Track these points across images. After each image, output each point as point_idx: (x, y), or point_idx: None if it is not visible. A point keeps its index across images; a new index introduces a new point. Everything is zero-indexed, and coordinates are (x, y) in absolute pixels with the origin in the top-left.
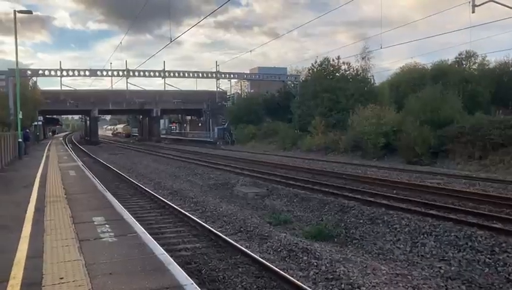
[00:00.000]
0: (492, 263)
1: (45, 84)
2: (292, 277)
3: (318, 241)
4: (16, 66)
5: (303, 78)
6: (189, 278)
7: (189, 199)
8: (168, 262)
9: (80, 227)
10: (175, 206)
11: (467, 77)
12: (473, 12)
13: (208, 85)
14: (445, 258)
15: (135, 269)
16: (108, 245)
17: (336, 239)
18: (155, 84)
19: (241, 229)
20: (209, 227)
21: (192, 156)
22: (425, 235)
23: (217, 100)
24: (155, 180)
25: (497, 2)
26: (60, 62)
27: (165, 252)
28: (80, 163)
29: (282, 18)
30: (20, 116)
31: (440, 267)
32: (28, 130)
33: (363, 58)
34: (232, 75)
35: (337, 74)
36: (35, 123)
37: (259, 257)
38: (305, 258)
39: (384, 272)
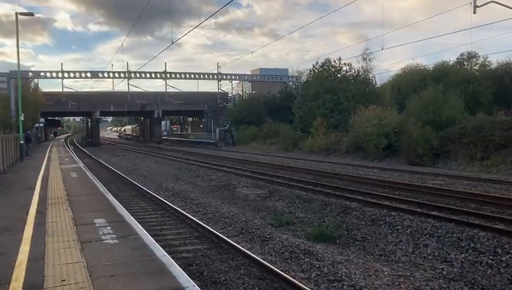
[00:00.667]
0: (495, 265)
1: (47, 86)
2: (294, 278)
3: (320, 243)
4: (17, 68)
5: (304, 80)
6: (190, 280)
7: (190, 200)
8: (169, 264)
9: (82, 229)
10: (176, 208)
11: (468, 77)
12: (474, 13)
13: (209, 86)
14: (448, 260)
15: (137, 271)
16: (110, 247)
17: (337, 241)
18: (156, 85)
19: (243, 230)
20: (211, 229)
21: (193, 157)
22: (428, 237)
23: (218, 101)
24: (156, 182)
25: (498, 3)
26: (62, 64)
27: (166, 254)
28: (81, 165)
29: (282, 19)
30: (21, 118)
31: (442, 269)
32: (29, 132)
33: (364, 60)
34: (233, 77)
35: (338, 75)
36: (37, 125)
37: (261, 258)
38: (307, 259)
39: (386, 273)
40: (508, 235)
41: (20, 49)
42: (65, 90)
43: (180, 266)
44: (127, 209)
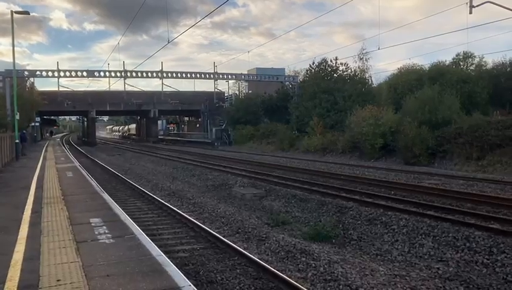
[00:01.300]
0: (490, 264)
1: (42, 85)
2: (290, 278)
3: (316, 243)
4: (13, 66)
5: (301, 79)
6: (186, 279)
7: (186, 200)
8: (165, 263)
9: (77, 228)
10: (172, 207)
11: (464, 77)
12: (470, 13)
13: (205, 86)
14: (443, 259)
15: (132, 271)
16: (106, 247)
17: (334, 240)
18: (152, 85)
19: (239, 230)
20: (207, 228)
21: (190, 157)
22: (423, 236)
23: (215, 101)
24: (152, 181)
25: (494, 3)
26: (58, 63)
27: (162, 254)
28: (77, 164)
29: (278, 19)
30: (17, 117)
31: (438, 268)
32: (24, 132)
33: (360, 59)
34: (229, 76)
35: (335, 75)
36: (33, 124)
37: (257, 258)
38: (303, 259)
39: (382, 273)
40: (504, 234)
41: (15, 48)
42: (61, 89)
43: (176, 266)
44: (122, 209)
